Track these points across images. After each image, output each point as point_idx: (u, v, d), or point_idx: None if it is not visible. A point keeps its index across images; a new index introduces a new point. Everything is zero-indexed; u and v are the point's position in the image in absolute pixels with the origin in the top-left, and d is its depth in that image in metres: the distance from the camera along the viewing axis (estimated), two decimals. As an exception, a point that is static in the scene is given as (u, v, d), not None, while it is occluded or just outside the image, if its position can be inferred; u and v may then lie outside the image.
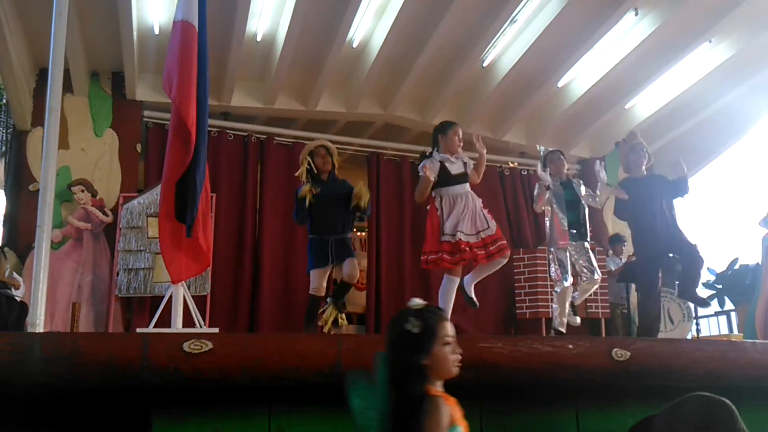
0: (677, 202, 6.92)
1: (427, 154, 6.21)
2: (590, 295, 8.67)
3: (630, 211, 6.92)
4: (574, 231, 6.77)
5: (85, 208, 8.92)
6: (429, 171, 5.94)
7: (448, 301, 5.94)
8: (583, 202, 6.87)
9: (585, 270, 6.71)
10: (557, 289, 6.81)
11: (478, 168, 6.31)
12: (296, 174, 6.56)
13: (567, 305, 6.79)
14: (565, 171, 7.00)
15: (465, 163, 6.19)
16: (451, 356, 2.76)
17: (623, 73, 9.98)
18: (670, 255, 6.99)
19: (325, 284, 6.30)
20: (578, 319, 7.12)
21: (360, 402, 2.81)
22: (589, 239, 6.85)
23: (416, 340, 2.71)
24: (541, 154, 7.18)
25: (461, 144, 6.24)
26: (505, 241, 5.99)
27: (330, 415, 3.79)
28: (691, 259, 6.63)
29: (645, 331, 6.66)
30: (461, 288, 6.13)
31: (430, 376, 2.73)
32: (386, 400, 2.70)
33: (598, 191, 7.04)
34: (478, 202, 6.10)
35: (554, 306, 6.90)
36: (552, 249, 6.90)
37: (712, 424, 2.70)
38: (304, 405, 3.79)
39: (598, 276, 6.75)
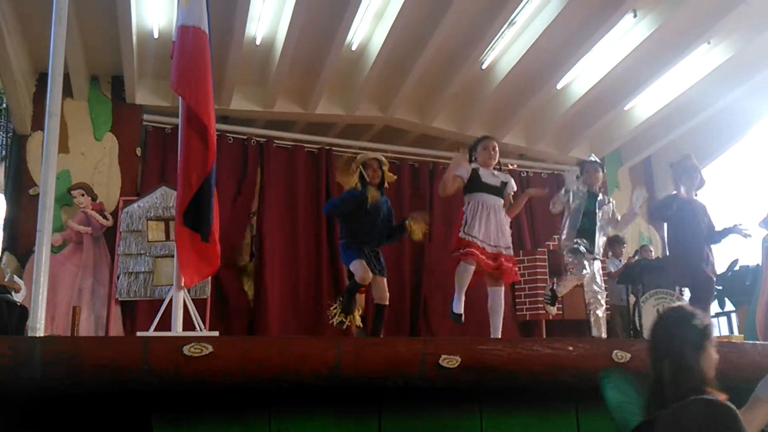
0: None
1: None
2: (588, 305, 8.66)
3: (675, 224, 6.91)
4: (584, 241, 6.75)
5: (85, 212, 8.92)
6: (458, 165, 6.09)
7: (461, 283, 6.09)
8: (598, 218, 6.85)
9: (591, 284, 6.74)
10: (574, 271, 6.76)
11: (515, 203, 6.44)
12: (339, 179, 6.62)
13: (570, 286, 6.82)
14: (599, 183, 6.99)
15: (505, 183, 6.29)
16: (714, 358, 2.84)
17: (622, 74, 9.99)
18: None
19: (370, 274, 6.22)
20: (554, 309, 7.16)
21: (617, 396, 2.85)
22: (597, 256, 6.81)
23: (699, 337, 2.77)
24: (584, 160, 7.22)
25: (494, 157, 6.33)
26: (513, 268, 6.12)
27: (329, 417, 3.80)
28: (704, 297, 6.64)
29: None
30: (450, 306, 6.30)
31: (705, 376, 2.79)
32: (656, 396, 2.75)
33: (623, 217, 7.05)
34: (506, 219, 6.19)
35: (563, 281, 6.85)
36: (565, 247, 6.91)
37: (715, 428, 2.70)
38: (304, 408, 3.79)
39: (602, 301, 6.79)
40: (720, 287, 10.64)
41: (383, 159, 6.62)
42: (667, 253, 7.08)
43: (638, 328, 8.87)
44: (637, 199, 7.09)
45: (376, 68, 9.38)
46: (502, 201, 6.26)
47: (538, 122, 11.35)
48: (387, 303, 6.44)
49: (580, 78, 10.34)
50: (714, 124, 11.25)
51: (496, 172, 6.34)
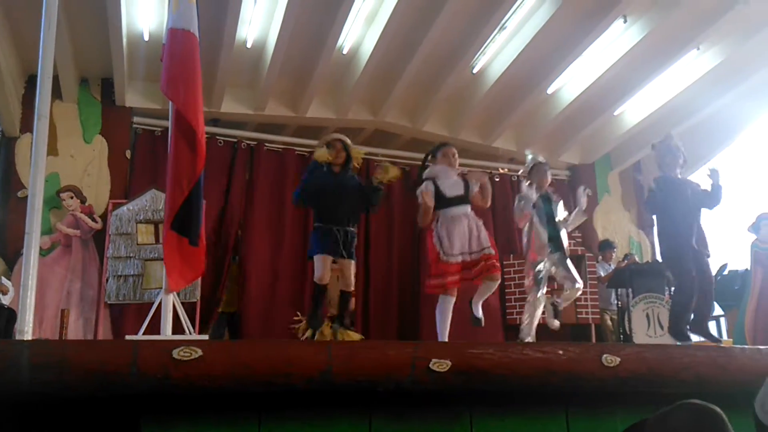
0: (708, 212, 6.84)
1: (417, 179, 6.29)
2: (580, 300, 8.65)
3: (662, 207, 6.83)
4: (553, 243, 6.73)
5: (74, 215, 8.89)
6: (427, 196, 6.02)
7: (444, 320, 6.03)
8: (557, 216, 6.84)
9: (566, 280, 6.71)
10: (529, 298, 6.76)
11: (484, 195, 6.37)
12: (314, 156, 6.52)
13: (537, 316, 6.75)
14: (547, 185, 6.95)
15: (465, 183, 6.24)
16: None
17: (612, 79, 10.02)
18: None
19: (329, 272, 6.13)
20: (557, 323, 7.13)
21: None
22: (564, 250, 6.81)
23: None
24: (528, 161, 7.15)
25: (456, 160, 6.29)
26: (494, 263, 6.06)
27: (319, 421, 3.79)
28: (705, 293, 6.59)
29: (673, 331, 6.59)
30: (470, 305, 6.27)
31: None
32: None
33: (572, 216, 7.02)
34: (478, 222, 6.14)
35: (525, 317, 6.81)
36: (528, 260, 6.88)
37: None
38: (294, 411, 3.78)
39: (579, 284, 6.72)
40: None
41: (347, 141, 6.55)
42: (658, 258, 7.03)
43: (628, 333, 8.90)
44: (582, 197, 7.07)
45: (367, 72, 9.38)
46: (469, 206, 6.20)
47: (528, 127, 11.37)
48: (351, 290, 6.37)
49: (571, 83, 10.36)
50: (703, 129, 11.27)
51: (456, 177, 6.26)
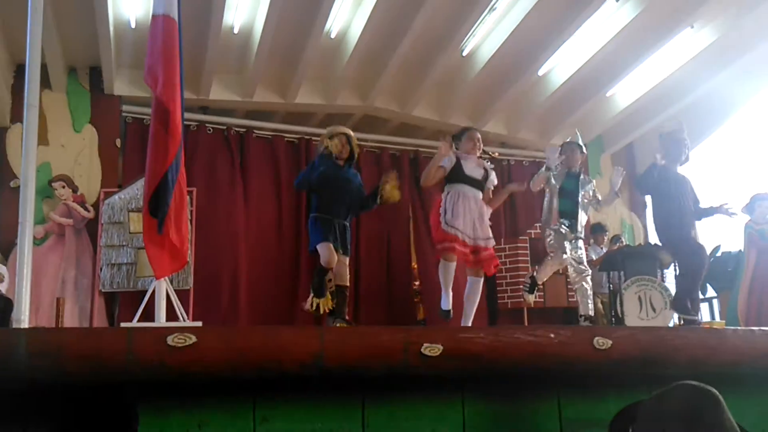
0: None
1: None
2: (572, 284, 8.66)
3: (660, 196, 6.89)
4: (566, 221, 6.79)
5: (67, 204, 8.90)
6: (444, 154, 6.14)
7: (446, 280, 6.23)
8: (581, 195, 6.90)
9: (574, 262, 6.79)
10: (552, 257, 6.85)
11: (495, 197, 6.51)
12: (321, 149, 6.54)
13: (545, 274, 6.89)
14: (578, 164, 7.03)
15: (486, 172, 6.32)
16: None
17: (604, 60, 9.99)
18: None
19: (335, 256, 6.20)
20: (532, 297, 7.26)
21: None
22: (579, 235, 6.87)
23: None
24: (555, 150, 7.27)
25: (478, 146, 6.35)
26: (492, 260, 6.18)
27: (313, 406, 3.82)
28: (692, 275, 6.65)
29: (677, 305, 6.68)
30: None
31: None
32: None
33: (604, 197, 7.11)
34: (486, 211, 6.23)
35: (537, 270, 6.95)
36: (547, 229, 6.98)
37: (699, 415, 2.69)
38: (287, 396, 3.81)
39: (588, 273, 6.84)
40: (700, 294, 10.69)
41: (352, 134, 6.59)
42: (650, 241, 7.10)
43: (620, 315, 8.92)
44: (617, 178, 7.14)
45: (356, 56, 9.36)
46: (482, 194, 6.29)
47: (519, 109, 11.36)
48: (348, 284, 6.45)
49: (562, 64, 10.34)
50: (696, 109, 11.25)
51: (478, 164, 6.36)
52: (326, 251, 6.13)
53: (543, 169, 7.02)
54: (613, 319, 9.20)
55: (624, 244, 10.64)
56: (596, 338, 4.12)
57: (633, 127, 11.85)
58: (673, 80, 10.52)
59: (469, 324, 6.29)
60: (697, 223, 6.98)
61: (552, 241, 6.89)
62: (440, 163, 6.19)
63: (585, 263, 6.87)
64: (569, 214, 6.85)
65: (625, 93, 11.05)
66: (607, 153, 12.53)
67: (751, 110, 11.63)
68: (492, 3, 8.87)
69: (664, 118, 11.28)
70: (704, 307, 11.89)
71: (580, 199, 6.91)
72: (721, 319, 9.89)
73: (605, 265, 9.63)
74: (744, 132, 12.09)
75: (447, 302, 6.30)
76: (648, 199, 7.76)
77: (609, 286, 9.62)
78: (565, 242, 6.83)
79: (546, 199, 7.06)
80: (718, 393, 2.71)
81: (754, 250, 8.76)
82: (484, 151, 6.52)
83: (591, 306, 7.07)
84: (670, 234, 6.73)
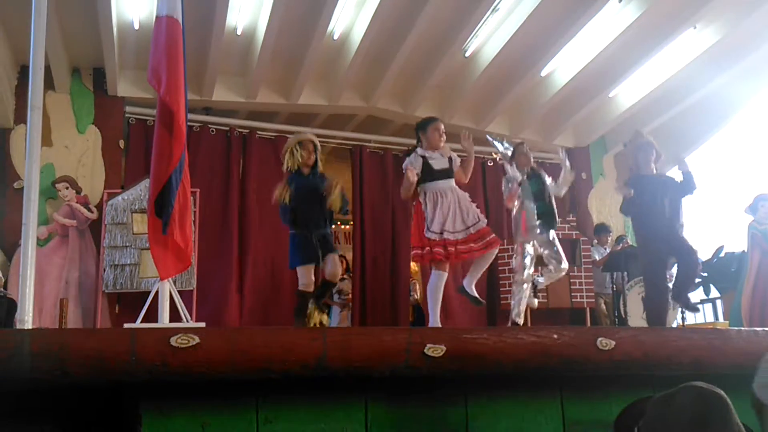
0: (686, 199, 6.89)
1: (410, 149, 6.27)
2: (575, 284, 8.68)
3: (636, 208, 6.90)
4: (542, 221, 6.78)
5: (70, 205, 8.91)
6: (410, 172, 6.00)
7: (436, 296, 6.07)
8: (548, 190, 6.90)
9: (552, 260, 6.77)
10: (516, 277, 6.82)
11: (465, 167, 6.38)
12: (284, 168, 6.40)
13: (525, 297, 6.81)
14: (529, 164, 7.01)
15: (450, 159, 6.24)
16: None
17: (607, 61, 9.96)
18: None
19: (313, 279, 6.16)
20: (536, 302, 7.22)
21: None
22: (555, 226, 6.87)
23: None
24: (501, 148, 7.23)
25: (443, 138, 6.28)
26: (493, 236, 6.08)
27: (316, 406, 3.82)
28: (688, 265, 6.64)
29: (654, 324, 6.67)
30: (462, 290, 6.30)
31: None
32: None
33: (560, 179, 7.08)
34: (464, 195, 6.14)
35: (513, 298, 6.86)
36: (517, 243, 6.95)
37: (707, 418, 2.66)
38: (290, 397, 3.81)
39: (565, 265, 6.79)
40: (705, 274, 10.68)
41: (316, 140, 6.39)
42: (642, 234, 7.04)
43: (623, 316, 8.93)
44: (564, 157, 7.15)
45: (359, 57, 9.36)
46: (454, 180, 6.22)
47: (522, 110, 11.35)
48: (335, 281, 6.33)
49: (565, 65, 10.31)
50: (700, 109, 11.24)
51: (443, 153, 6.28)
52: (303, 274, 6.07)
53: (510, 185, 6.94)
54: (617, 319, 9.20)
55: (628, 244, 10.63)
56: (599, 339, 4.12)
57: (636, 128, 11.80)
58: (676, 81, 10.48)
59: (473, 284, 6.20)
60: (683, 217, 6.94)
61: (548, 252, 6.84)
62: (412, 180, 6.07)
63: (562, 254, 6.80)
64: (546, 213, 6.82)
65: (627, 93, 11.02)
66: (610, 154, 12.50)
67: (754, 110, 11.61)
68: (495, 4, 8.85)
69: (667, 118, 11.30)
70: (708, 307, 11.90)
71: (549, 196, 6.90)
72: (724, 319, 9.89)
73: (608, 266, 9.63)
74: (747, 132, 12.08)
75: (436, 322, 6.10)
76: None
77: (612, 287, 9.62)
78: (537, 251, 6.81)
79: (515, 211, 6.99)
80: (726, 396, 2.69)
81: (758, 251, 8.75)
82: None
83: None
84: (664, 237, 6.72)
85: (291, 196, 6.13)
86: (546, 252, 6.77)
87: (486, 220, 6.15)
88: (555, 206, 6.91)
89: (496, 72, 10.12)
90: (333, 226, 6.43)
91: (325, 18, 8.56)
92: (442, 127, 6.34)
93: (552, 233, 6.82)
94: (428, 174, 6.09)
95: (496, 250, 6.18)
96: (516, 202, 6.86)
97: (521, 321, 6.77)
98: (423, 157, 6.15)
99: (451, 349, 3.79)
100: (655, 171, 6.88)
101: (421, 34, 9.10)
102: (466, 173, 6.37)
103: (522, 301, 6.70)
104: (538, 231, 6.71)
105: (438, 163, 6.15)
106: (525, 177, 6.84)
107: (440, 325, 6.16)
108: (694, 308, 7.03)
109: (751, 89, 10.98)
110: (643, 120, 11.47)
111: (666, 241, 6.57)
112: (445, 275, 6.05)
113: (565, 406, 4.33)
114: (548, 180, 6.98)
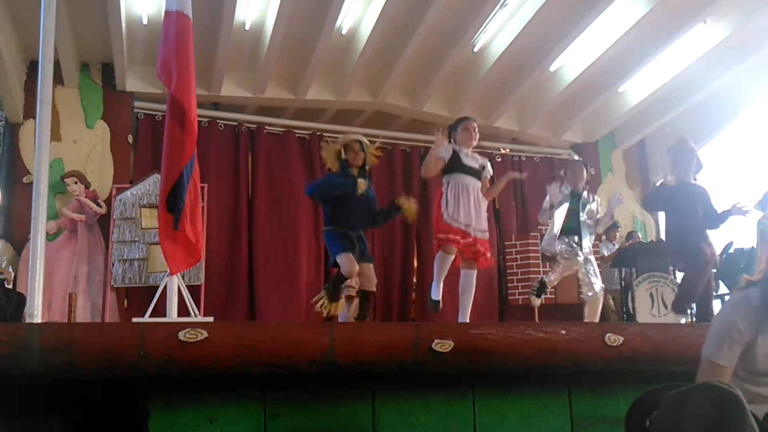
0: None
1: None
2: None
3: (671, 212, 6.95)
4: (568, 240, 6.79)
5: (79, 200, 8.94)
6: (442, 147, 6.11)
7: (442, 270, 6.17)
8: (583, 218, 6.89)
9: (584, 285, 6.82)
10: (566, 259, 6.86)
11: (493, 188, 6.55)
12: (327, 166, 6.38)
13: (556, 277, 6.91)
14: (582, 183, 7.01)
15: (483, 166, 6.31)
16: None
17: (616, 56, 9.92)
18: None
19: (357, 267, 6.00)
20: (538, 301, 7.28)
21: None
22: (585, 252, 6.86)
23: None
24: (566, 157, 7.29)
25: (474, 137, 6.33)
26: (490, 255, 6.19)
27: (323, 402, 3.83)
28: (695, 275, 6.67)
29: (678, 307, 6.74)
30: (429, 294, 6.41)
31: None
32: None
33: (601, 218, 7.12)
34: (482, 201, 6.21)
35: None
36: (544, 249, 7.01)
37: (723, 417, 2.63)
38: (297, 392, 3.82)
39: (597, 292, 6.84)
40: (714, 270, 10.63)
41: (365, 140, 6.32)
42: (663, 238, 7.12)
43: (631, 312, 8.90)
44: (614, 204, 7.18)
45: (367, 52, 9.35)
46: (480, 184, 6.27)
47: (530, 105, 11.33)
48: (374, 290, 6.30)
49: (573, 60, 10.28)
50: (709, 105, 11.20)
51: (474, 155, 6.34)
52: (347, 261, 5.97)
53: (546, 203, 7.02)
54: (625, 315, 9.18)
55: (638, 240, 10.62)
56: (608, 335, 4.12)
57: (645, 123, 11.79)
58: (685, 76, 10.43)
59: (467, 319, 6.25)
60: (711, 232, 6.97)
61: (564, 248, 6.87)
62: (438, 155, 6.14)
63: (594, 278, 6.84)
64: (572, 233, 6.85)
65: (637, 89, 10.98)
66: (619, 149, 12.47)
67: (764, 106, 11.54)
68: (503, -1, 8.85)
69: (677, 113, 11.26)
70: (716, 304, 11.84)
71: (582, 219, 6.90)
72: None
73: (617, 262, 9.61)
74: (757, 128, 12.02)
75: (437, 293, 6.27)
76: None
77: (621, 283, 9.60)
78: (578, 255, 6.83)
79: (549, 225, 7.06)
80: (740, 395, 2.66)
81: (767, 247, 8.73)
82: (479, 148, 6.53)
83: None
84: (682, 246, 6.75)
85: (339, 195, 6.11)
86: (581, 274, 6.84)
87: (488, 236, 6.25)
88: (584, 232, 6.91)
89: (505, 67, 10.10)
90: None
91: (333, 13, 8.56)
92: (474, 125, 6.39)
93: (579, 257, 6.83)
94: (457, 166, 6.16)
95: (475, 273, 6.28)
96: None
97: (552, 283, 7.04)
98: (455, 149, 6.20)
99: (458, 344, 3.78)
100: (694, 180, 6.91)
101: (429, 30, 9.08)
102: (490, 193, 6.47)
103: (561, 273, 6.89)
104: (562, 247, 6.77)
105: (469, 161, 6.23)
106: (568, 192, 6.88)
107: (440, 298, 6.32)
108: (681, 312, 7.05)
109: (762, 85, 10.92)
110: (653, 116, 11.46)
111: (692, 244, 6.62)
112: (452, 257, 6.10)
113: (573, 402, 4.33)
114: (592, 207, 7.01)
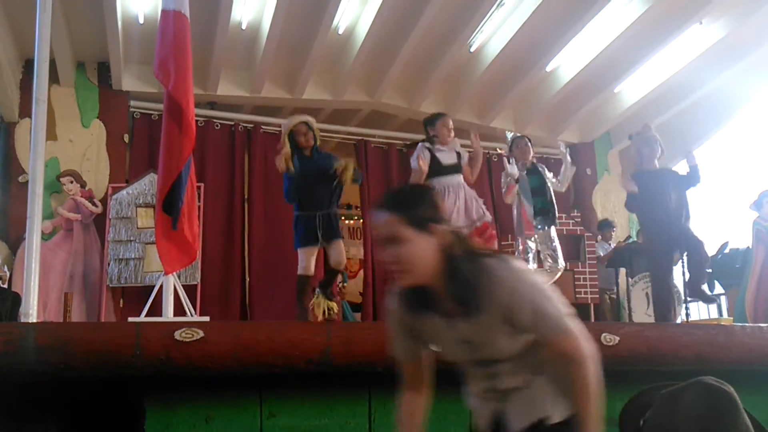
0: (691, 193, 6.89)
1: (413, 143, 6.29)
2: (579, 280, 8.66)
3: (641, 204, 6.90)
4: (541, 217, 6.78)
5: (75, 199, 8.91)
6: (422, 161, 6.01)
7: None
8: (548, 186, 6.90)
9: (549, 258, 6.77)
10: (549, 269, 6.82)
11: (473, 165, 6.40)
12: (278, 156, 6.28)
13: None
14: (530, 157, 7.01)
15: (458, 154, 6.25)
16: None
17: (612, 56, 9.91)
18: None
19: (314, 264, 6.02)
20: None
21: None
22: (556, 223, 6.88)
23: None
24: (508, 139, 7.26)
25: (452, 134, 6.29)
26: (491, 231, 6.11)
27: (320, 401, 3.83)
28: (697, 257, 6.63)
29: (694, 290, 6.71)
30: None
31: None
32: None
33: (560, 175, 7.09)
34: (471, 192, 6.17)
35: None
36: (519, 239, 6.96)
37: (716, 415, 2.64)
38: (294, 391, 3.82)
39: (561, 264, 6.80)
40: (710, 270, 10.63)
41: (309, 119, 6.13)
42: (648, 230, 7.06)
43: (628, 312, 8.91)
44: (565, 152, 7.16)
45: (363, 52, 9.34)
46: (462, 175, 6.23)
47: (527, 105, 11.32)
48: (340, 268, 6.17)
49: (570, 60, 10.27)
50: (705, 105, 11.17)
51: (450, 148, 6.29)
52: (304, 257, 5.92)
53: (504, 179, 6.96)
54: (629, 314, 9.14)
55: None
56: (604, 334, 4.13)
57: (641, 124, 11.76)
58: (681, 76, 10.42)
59: None
60: (690, 210, 6.92)
61: (549, 252, 6.84)
62: (512, 176, 6.15)
63: (559, 253, 6.81)
64: (545, 210, 6.83)
65: (633, 89, 10.98)
66: (615, 149, 12.45)
67: (760, 106, 11.56)
68: (500, -1, 8.84)
69: (673, 113, 11.26)
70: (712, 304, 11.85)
71: (549, 192, 6.91)
72: (729, 315, 9.87)
73: (613, 262, 9.61)
74: (752, 128, 12.04)
75: None
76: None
77: (617, 283, 9.61)
78: (544, 242, 6.81)
79: (515, 207, 7.01)
80: (733, 391, 2.67)
81: (762, 247, 8.74)
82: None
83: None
84: (670, 232, 6.70)
85: (296, 174, 5.98)
86: (544, 249, 6.78)
87: (491, 216, 6.17)
88: (555, 203, 6.91)
89: (502, 67, 10.10)
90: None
91: (330, 12, 8.54)
92: (451, 122, 6.35)
93: (553, 230, 6.82)
94: (436, 169, 6.12)
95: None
96: (514, 198, 6.88)
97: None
98: (430, 150, 6.15)
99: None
100: (658, 166, 6.88)
101: (426, 29, 9.07)
102: (473, 172, 6.40)
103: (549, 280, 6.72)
104: (538, 227, 6.72)
105: (446, 157, 6.17)
106: (524, 172, 6.84)
107: None
108: (711, 299, 7.05)
109: (757, 85, 10.91)
110: (649, 116, 11.40)
111: (672, 235, 6.57)
112: None
113: (569, 402, 4.32)
114: (549, 175, 6.98)
